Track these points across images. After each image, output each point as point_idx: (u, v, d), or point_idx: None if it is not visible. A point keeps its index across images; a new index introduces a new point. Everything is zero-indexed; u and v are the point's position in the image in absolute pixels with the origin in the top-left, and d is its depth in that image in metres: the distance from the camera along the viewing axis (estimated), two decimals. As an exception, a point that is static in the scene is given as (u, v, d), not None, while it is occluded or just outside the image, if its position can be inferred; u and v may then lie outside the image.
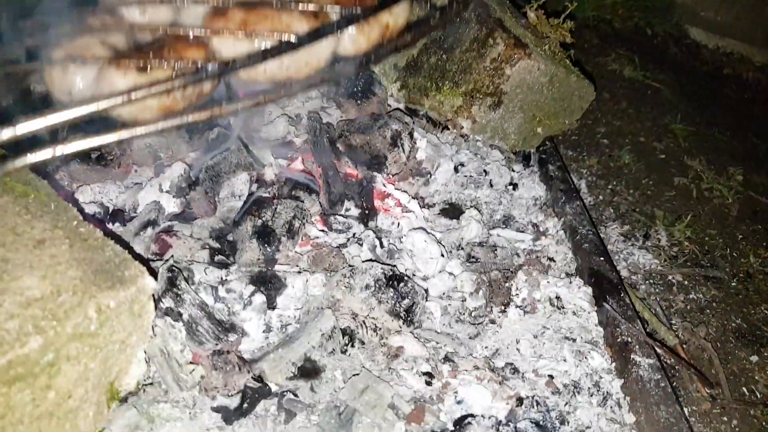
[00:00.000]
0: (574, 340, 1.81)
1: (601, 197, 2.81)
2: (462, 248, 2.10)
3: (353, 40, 1.41)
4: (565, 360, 1.74)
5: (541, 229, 2.25)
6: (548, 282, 1.96)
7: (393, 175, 2.20)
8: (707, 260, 2.56)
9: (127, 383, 1.36)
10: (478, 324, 1.84)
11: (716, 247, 2.63)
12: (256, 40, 1.30)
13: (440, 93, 2.47)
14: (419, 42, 2.22)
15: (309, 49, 1.29)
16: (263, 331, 1.63)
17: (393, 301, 1.70)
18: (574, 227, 2.20)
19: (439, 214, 2.25)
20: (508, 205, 2.35)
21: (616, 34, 4.31)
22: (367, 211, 2.05)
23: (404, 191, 2.19)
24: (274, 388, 1.51)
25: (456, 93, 2.46)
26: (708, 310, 2.31)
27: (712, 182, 2.99)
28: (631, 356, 1.73)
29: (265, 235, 1.73)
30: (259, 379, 1.51)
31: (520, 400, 1.59)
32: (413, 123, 2.42)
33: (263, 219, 1.75)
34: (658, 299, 2.29)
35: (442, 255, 1.96)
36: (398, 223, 2.08)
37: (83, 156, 1.88)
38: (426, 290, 1.86)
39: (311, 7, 1.35)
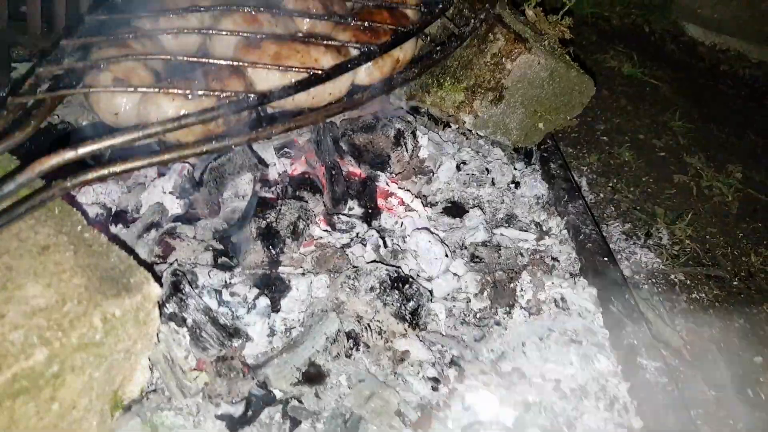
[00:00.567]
0: (580, 343, 1.79)
1: (602, 195, 2.79)
2: (465, 248, 2.07)
3: (369, 72, 1.56)
4: (571, 363, 1.73)
5: (544, 228, 2.23)
6: (553, 283, 1.94)
7: (396, 174, 2.18)
8: (708, 259, 2.55)
9: (131, 391, 1.34)
10: (484, 326, 1.83)
11: (717, 246, 2.62)
12: (288, 72, 1.37)
13: (442, 89, 2.44)
14: (424, 74, 2.28)
15: (333, 81, 1.38)
16: (267, 335, 1.60)
17: (398, 304, 1.68)
18: (577, 227, 2.18)
19: (441, 212, 2.23)
20: (511, 204, 2.33)
21: (614, 31, 4.29)
22: (370, 210, 2.03)
23: (407, 190, 2.17)
24: (278, 394, 1.48)
25: (457, 89, 2.43)
26: (711, 310, 2.30)
27: (711, 180, 2.98)
28: (638, 359, 1.71)
29: (269, 236, 1.70)
30: (263, 385, 1.48)
31: (527, 406, 1.58)
32: (415, 121, 2.39)
33: (267, 220, 1.72)
34: (661, 299, 2.27)
35: (446, 255, 1.94)
36: (401, 223, 2.05)
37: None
38: (431, 291, 1.84)
39: (335, 42, 1.45)
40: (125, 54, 1.29)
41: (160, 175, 1.83)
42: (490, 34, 2.34)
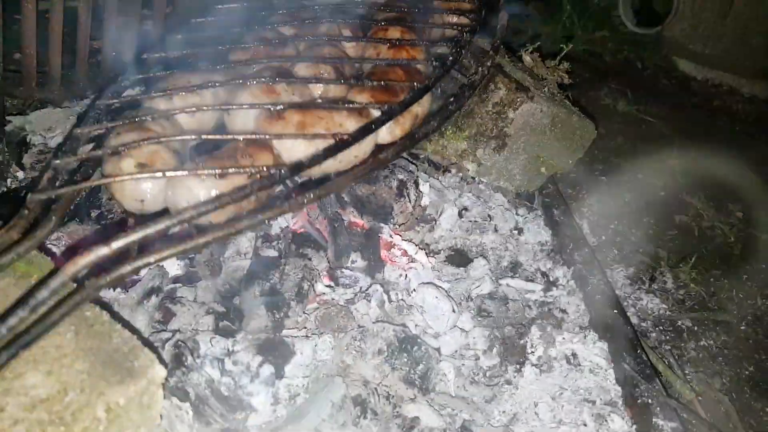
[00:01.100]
0: (594, 402, 1.74)
1: (604, 237, 2.77)
2: (471, 299, 2.03)
3: (390, 131, 1.51)
4: (585, 424, 1.68)
5: (551, 278, 2.19)
6: (563, 338, 1.90)
7: (399, 225, 2.14)
8: (714, 302, 2.52)
9: (133, 474, 1.27)
10: (494, 385, 1.78)
11: (722, 289, 2.59)
12: (315, 140, 1.35)
13: (443, 137, 2.43)
14: (443, 126, 2.31)
15: (359, 143, 1.36)
16: (271, 404, 1.54)
17: (407, 368, 1.63)
18: (584, 277, 2.15)
19: (445, 261, 2.19)
20: (515, 251, 2.30)
21: (607, 68, 4.32)
22: (373, 263, 1.98)
23: (410, 240, 2.13)
24: (286, 469, 1.42)
25: (460, 137, 2.43)
26: (720, 358, 2.26)
27: (713, 220, 2.97)
28: (653, 419, 1.67)
29: (273, 301, 1.65)
30: (270, 459, 1.42)
31: (544, 473, 1.53)
32: (417, 168, 2.37)
33: (271, 282, 1.67)
34: (669, 347, 2.24)
35: (453, 310, 1.89)
36: (406, 275, 2.01)
37: (82, 215, 1.79)
38: (438, 349, 1.79)
39: (357, 104, 1.43)
40: (146, 138, 1.25)
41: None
42: (491, 84, 2.34)
